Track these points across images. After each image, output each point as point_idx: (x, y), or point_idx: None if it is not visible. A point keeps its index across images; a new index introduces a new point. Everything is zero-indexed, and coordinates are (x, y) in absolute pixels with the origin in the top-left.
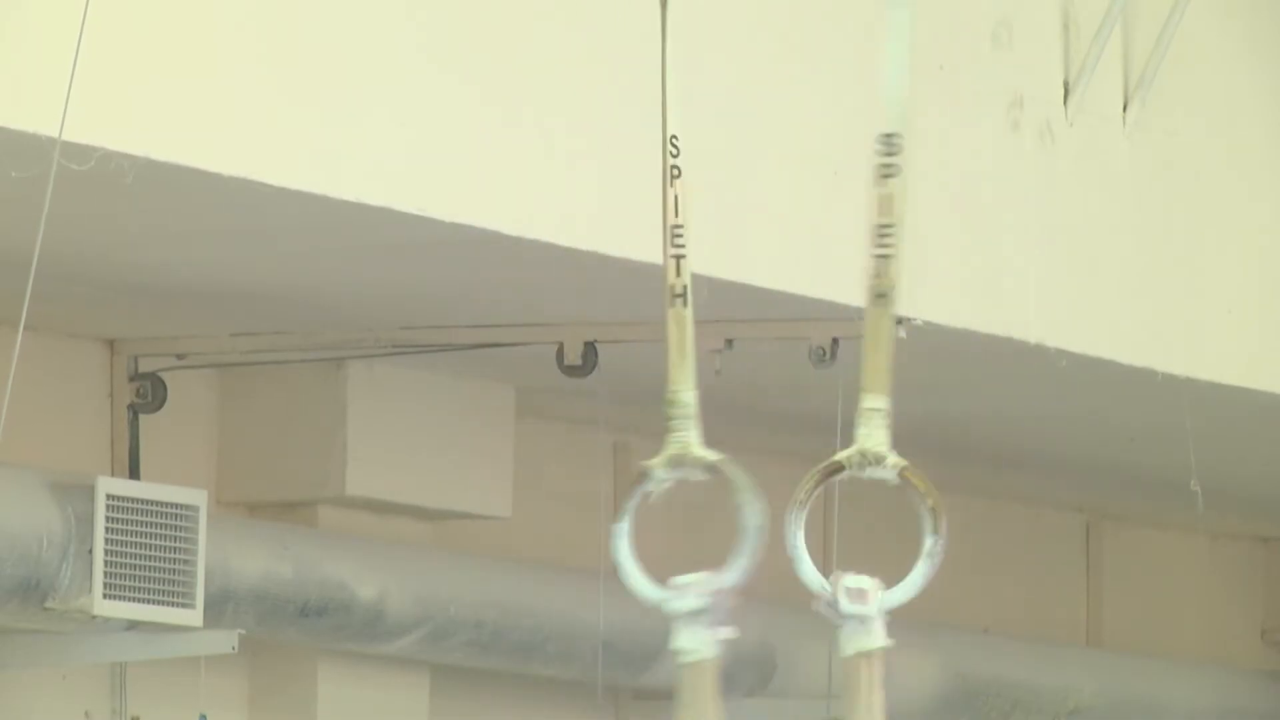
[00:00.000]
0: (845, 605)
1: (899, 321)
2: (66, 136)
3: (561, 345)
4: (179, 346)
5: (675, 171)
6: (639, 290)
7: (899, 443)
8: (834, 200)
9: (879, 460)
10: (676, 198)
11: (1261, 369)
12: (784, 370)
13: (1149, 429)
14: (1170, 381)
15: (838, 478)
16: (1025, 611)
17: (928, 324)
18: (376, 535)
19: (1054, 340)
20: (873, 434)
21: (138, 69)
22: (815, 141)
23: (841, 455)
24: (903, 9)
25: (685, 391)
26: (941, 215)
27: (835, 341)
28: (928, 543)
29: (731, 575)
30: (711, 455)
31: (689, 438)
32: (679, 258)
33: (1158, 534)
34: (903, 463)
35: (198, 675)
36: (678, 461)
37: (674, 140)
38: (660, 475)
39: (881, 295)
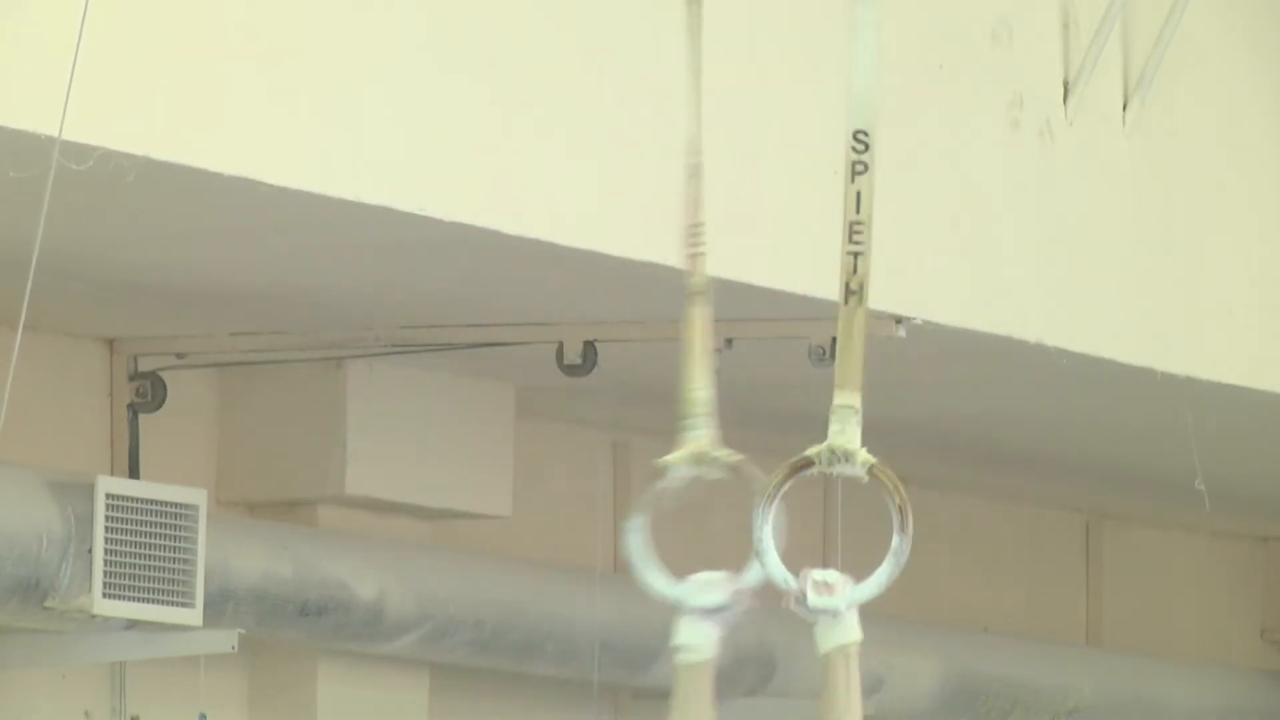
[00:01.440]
0: (813, 599)
1: (898, 321)
2: (66, 136)
3: (561, 345)
4: (179, 346)
5: (694, 170)
6: (639, 290)
7: (898, 443)
8: (834, 200)
9: (848, 457)
10: (695, 196)
11: (1261, 369)
12: (784, 370)
13: (1149, 429)
14: (1170, 381)
15: (807, 473)
16: (1025, 611)
17: (928, 324)
18: (376, 535)
19: (1054, 340)
20: (844, 430)
21: (138, 69)
22: (815, 141)
23: (812, 451)
24: (870, 7)
25: (702, 390)
26: (941, 215)
27: (835, 341)
28: (895, 541)
29: (752, 575)
30: (732, 455)
31: (705, 436)
32: (697, 255)
33: (1158, 534)
34: (872, 460)
35: (197, 675)
36: (697, 460)
37: (696, 140)
38: (678, 473)
39: (854, 292)
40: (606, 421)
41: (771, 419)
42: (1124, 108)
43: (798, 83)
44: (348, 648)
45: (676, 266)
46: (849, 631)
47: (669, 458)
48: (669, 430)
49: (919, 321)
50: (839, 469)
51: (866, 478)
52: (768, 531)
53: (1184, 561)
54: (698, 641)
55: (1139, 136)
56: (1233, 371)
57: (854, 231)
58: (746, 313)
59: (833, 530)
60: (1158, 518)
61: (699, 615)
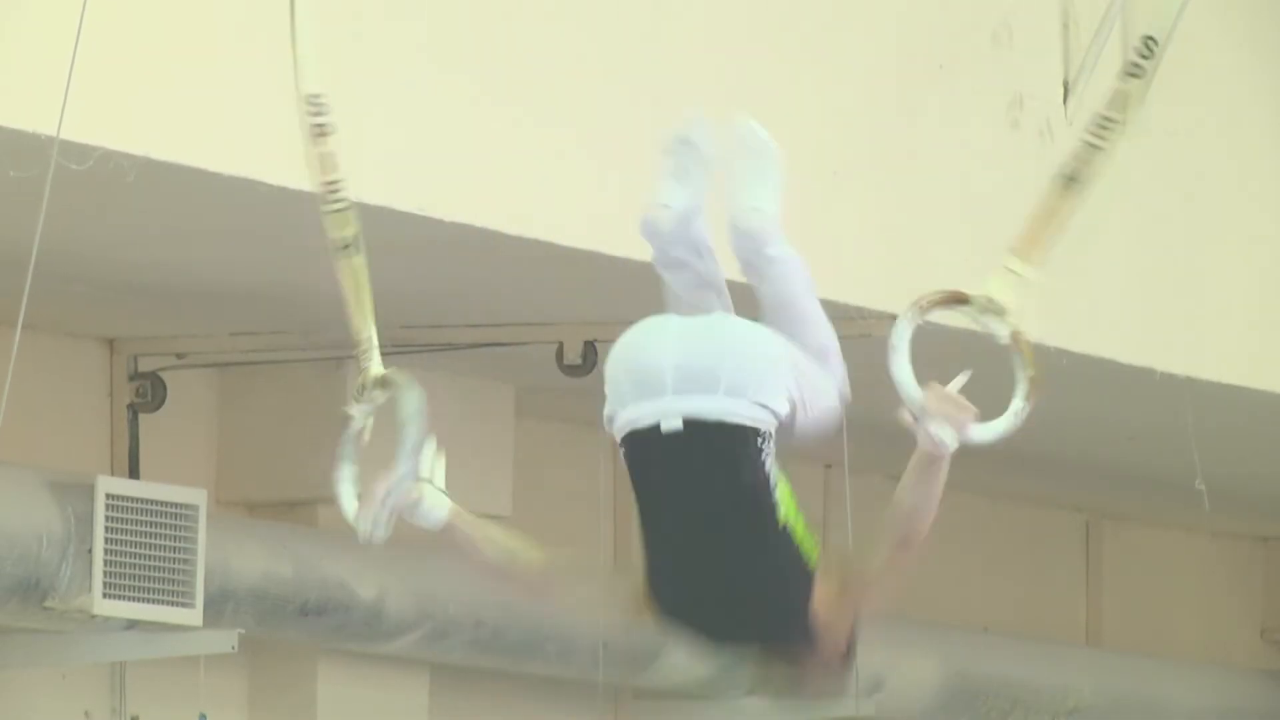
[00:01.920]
0: (925, 438)
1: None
2: (65, 136)
3: (561, 345)
4: (179, 346)
5: (319, 129)
6: (639, 290)
7: (898, 443)
8: (834, 200)
9: (1001, 312)
10: (322, 155)
11: (1261, 369)
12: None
13: (1149, 429)
14: (1170, 381)
15: (958, 308)
16: (1025, 611)
17: (928, 324)
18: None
19: (1054, 340)
20: (1004, 290)
21: (137, 69)
22: (815, 141)
23: (972, 292)
24: None
25: (365, 329)
26: (942, 215)
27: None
28: (1018, 403)
29: (400, 471)
30: (381, 370)
31: (371, 368)
32: (338, 212)
33: (1158, 534)
34: (1018, 326)
35: (197, 675)
36: (361, 390)
37: (315, 99)
38: (356, 410)
39: (1073, 179)
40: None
41: None
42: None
43: (797, 82)
44: (348, 648)
45: None
46: (949, 442)
47: (348, 407)
48: None
49: (919, 322)
50: (986, 320)
51: (1008, 340)
52: (906, 339)
53: (1184, 561)
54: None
55: (1139, 137)
56: (1233, 371)
57: (1102, 125)
58: (746, 313)
59: (833, 525)
60: (1158, 518)
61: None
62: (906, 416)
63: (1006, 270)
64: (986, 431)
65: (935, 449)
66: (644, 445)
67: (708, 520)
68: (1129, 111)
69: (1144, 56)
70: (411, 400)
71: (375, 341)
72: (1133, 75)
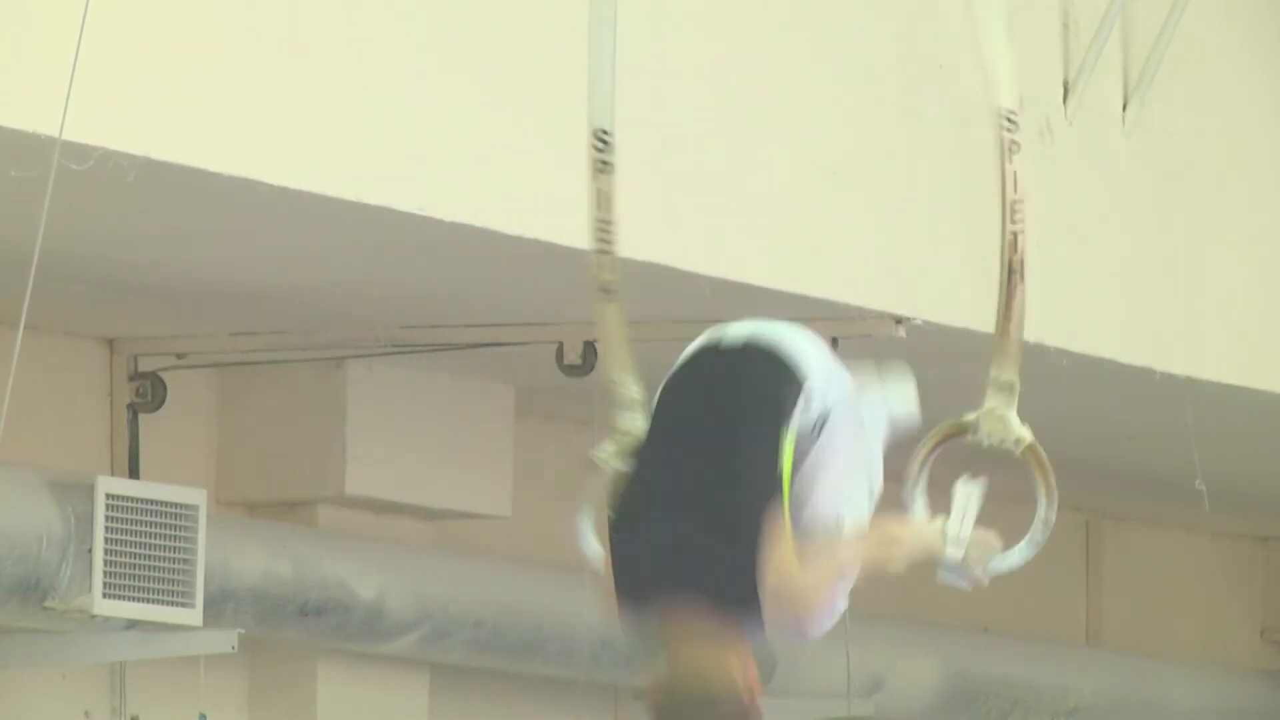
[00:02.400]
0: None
1: (898, 321)
2: (67, 136)
3: (561, 345)
4: (179, 346)
5: (601, 165)
6: (639, 290)
7: (898, 441)
8: (834, 200)
9: (1006, 429)
10: (600, 192)
11: (1261, 369)
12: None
13: (1149, 429)
14: (1170, 381)
15: (960, 440)
16: (1025, 611)
17: (927, 324)
18: (376, 535)
19: (1054, 340)
20: (1001, 404)
21: (138, 69)
22: (815, 141)
23: (968, 418)
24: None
25: (628, 383)
26: (942, 215)
27: (835, 341)
28: (1041, 519)
29: (1012, 559)
30: (1029, 435)
31: (638, 425)
32: (605, 254)
33: (1158, 534)
34: (1029, 437)
35: (197, 675)
36: (630, 451)
37: (602, 134)
38: (615, 467)
39: (1015, 271)
40: (606, 421)
41: None
42: (1124, 108)
43: (797, 82)
44: (348, 648)
45: (677, 267)
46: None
47: (603, 452)
48: None
49: (919, 321)
50: (995, 440)
51: (1019, 453)
52: (919, 495)
53: (1184, 561)
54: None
55: (1139, 136)
56: (1233, 371)
57: (1014, 210)
58: (746, 313)
59: None
60: (1158, 518)
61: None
62: (945, 577)
63: (993, 383)
64: (1011, 559)
65: (970, 584)
66: (692, 368)
67: (713, 438)
68: (1023, 190)
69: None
70: None
71: (637, 396)
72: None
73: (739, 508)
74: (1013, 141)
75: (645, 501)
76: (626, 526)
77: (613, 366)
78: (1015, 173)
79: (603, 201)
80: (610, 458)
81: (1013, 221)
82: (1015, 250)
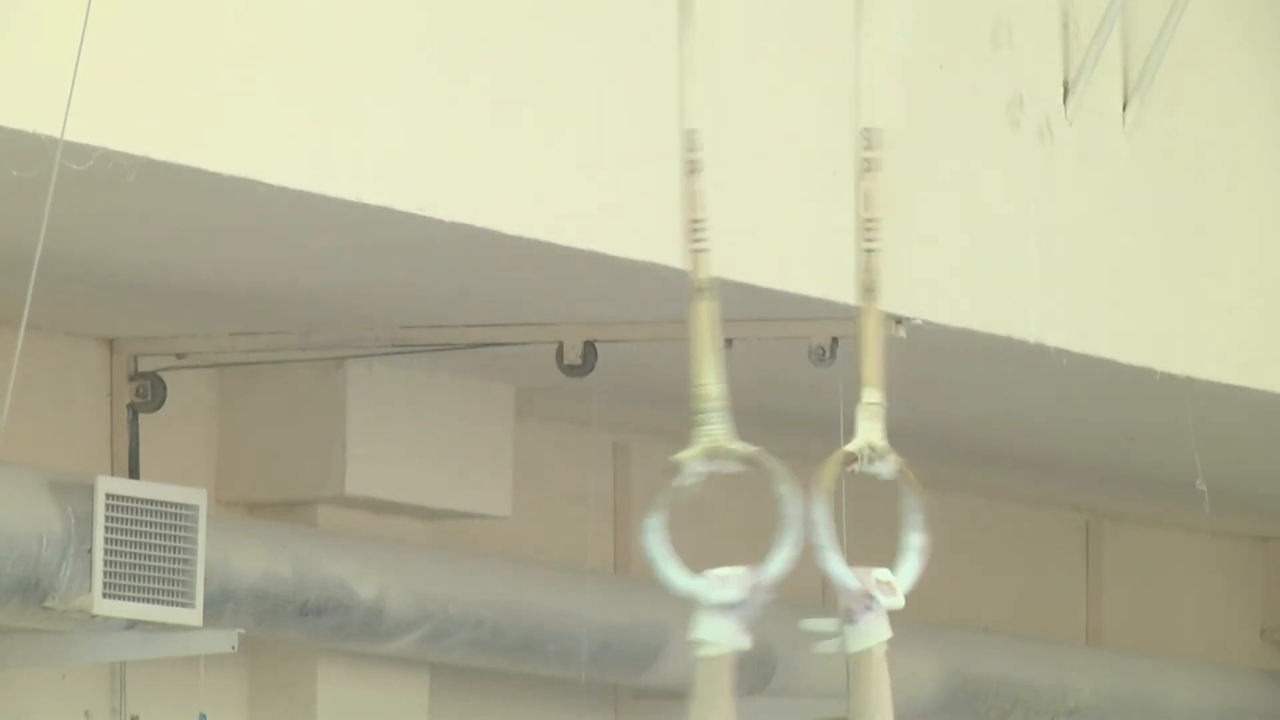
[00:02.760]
0: (880, 599)
1: (898, 321)
2: (67, 136)
3: (561, 345)
4: (179, 346)
5: (691, 165)
6: (639, 290)
7: (898, 443)
8: (834, 200)
9: (884, 455)
10: (694, 192)
11: (1261, 369)
12: (784, 370)
13: (1149, 429)
14: (1170, 381)
15: (850, 469)
16: (1025, 611)
17: (928, 324)
18: (376, 535)
19: (1054, 340)
20: (875, 427)
21: (138, 69)
22: (815, 141)
23: (853, 447)
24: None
25: (714, 385)
26: (942, 215)
27: (835, 341)
28: (918, 539)
29: (774, 568)
30: (747, 447)
31: (720, 430)
32: (700, 252)
33: (1158, 534)
34: (900, 460)
35: (197, 675)
36: (713, 454)
37: (693, 134)
38: (695, 469)
39: (870, 290)
40: (606, 421)
41: (771, 419)
42: (1124, 108)
43: (797, 82)
44: (348, 648)
45: (677, 266)
46: (884, 629)
47: (685, 453)
48: (669, 430)
49: (919, 321)
50: (876, 466)
51: (894, 476)
52: (825, 527)
53: (1184, 561)
54: (717, 637)
55: (1139, 136)
56: (1233, 371)
57: (869, 229)
58: (746, 313)
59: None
60: (1158, 518)
61: (718, 611)
62: (856, 602)
63: (866, 407)
64: (903, 583)
65: (885, 593)
66: None
67: None
68: (884, 209)
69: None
70: (789, 491)
71: (721, 400)
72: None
73: None
74: (867, 159)
75: None
76: None
77: (701, 368)
78: (867, 191)
79: (695, 202)
80: (691, 459)
81: (868, 241)
82: (870, 271)
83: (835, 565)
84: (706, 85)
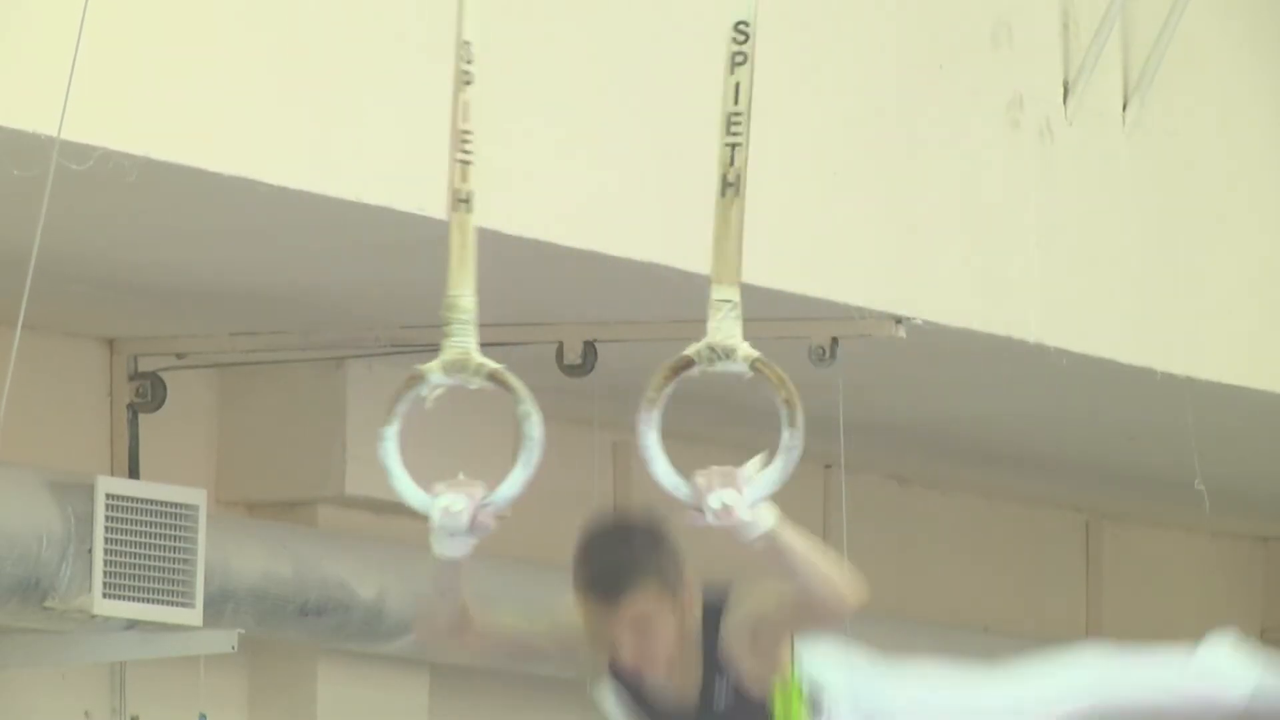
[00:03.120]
0: (710, 519)
1: (898, 321)
2: (66, 136)
3: (561, 345)
4: (179, 346)
5: (466, 77)
6: (639, 290)
7: (899, 443)
8: (834, 200)
9: (729, 354)
10: (465, 103)
11: (1261, 369)
12: (784, 370)
13: (1149, 429)
14: (1170, 381)
15: (688, 373)
16: (1025, 611)
17: (928, 324)
18: (376, 535)
19: (1054, 340)
20: (722, 326)
21: (138, 69)
22: (815, 141)
23: (691, 350)
24: None
25: (465, 297)
26: (942, 215)
27: (835, 341)
28: (785, 436)
29: (506, 490)
30: (491, 363)
31: (469, 344)
32: (465, 164)
33: (1158, 533)
34: (754, 354)
35: (197, 675)
36: (457, 367)
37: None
38: (437, 380)
39: (731, 184)
40: (606, 421)
41: (771, 418)
42: (1124, 108)
43: (797, 82)
44: (348, 648)
45: (677, 266)
46: (766, 520)
47: (427, 364)
48: (670, 430)
49: (919, 321)
50: (721, 366)
51: (750, 373)
52: (653, 439)
53: (1184, 561)
54: (447, 551)
55: (1139, 136)
56: (1233, 371)
57: (732, 123)
58: (746, 313)
59: (832, 525)
60: (1157, 517)
61: (450, 525)
62: (691, 516)
63: (716, 304)
64: (767, 479)
65: (722, 520)
66: None
67: None
68: (745, 103)
69: (739, 42)
70: (530, 410)
71: (475, 315)
72: (738, 65)
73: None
74: (739, 54)
75: None
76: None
77: (455, 279)
78: (738, 84)
79: (465, 113)
80: (433, 370)
81: (730, 135)
82: (732, 164)
83: (661, 472)
84: (704, 85)
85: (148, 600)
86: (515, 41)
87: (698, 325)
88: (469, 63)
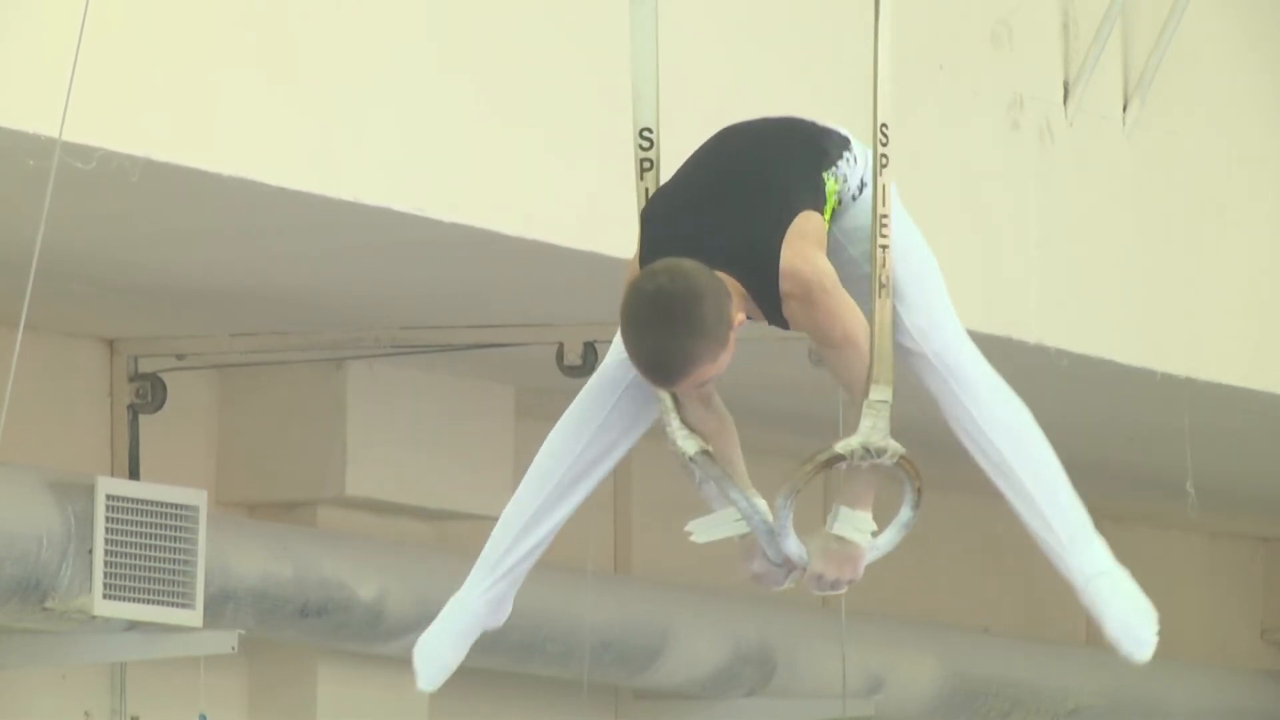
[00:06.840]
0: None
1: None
2: (67, 137)
3: (561, 345)
4: (179, 346)
5: (884, 160)
6: None
7: (898, 441)
8: None
9: (880, 453)
10: (884, 188)
11: (1261, 369)
12: (784, 370)
13: (1148, 429)
14: (1170, 381)
15: (838, 466)
16: (1025, 611)
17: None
18: (376, 535)
19: (1054, 340)
20: (878, 425)
21: (138, 69)
22: None
23: (842, 447)
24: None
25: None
26: (942, 215)
27: None
28: (906, 514)
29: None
30: (900, 448)
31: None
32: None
33: (1157, 534)
34: (901, 451)
35: (197, 675)
36: (858, 453)
37: (646, 133)
38: (857, 459)
39: (884, 285)
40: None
41: (771, 419)
42: (1124, 108)
43: (796, 82)
44: (348, 648)
45: None
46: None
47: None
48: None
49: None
50: (868, 462)
51: (893, 466)
52: (789, 520)
53: (1184, 562)
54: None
55: (1139, 137)
56: (1232, 371)
57: (882, 225)
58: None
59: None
60: (1157, 518)
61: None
62: (808, 583)
63: (874, 404)
64: (877, 551)
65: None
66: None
67: (757, 155)
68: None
69: (644, 149)
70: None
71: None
72: (884, 168)
73: (774, 197)
74: (883, 155)
75: (682, 199)
76: (660, 218)
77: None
78: (885, 187)
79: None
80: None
81: (882, 237)
82: (883, 266)
83: (794, 549)
84: (704, 85)
85: (148, 601)
86: (515, 41)
87: None
88: (648, 150)
